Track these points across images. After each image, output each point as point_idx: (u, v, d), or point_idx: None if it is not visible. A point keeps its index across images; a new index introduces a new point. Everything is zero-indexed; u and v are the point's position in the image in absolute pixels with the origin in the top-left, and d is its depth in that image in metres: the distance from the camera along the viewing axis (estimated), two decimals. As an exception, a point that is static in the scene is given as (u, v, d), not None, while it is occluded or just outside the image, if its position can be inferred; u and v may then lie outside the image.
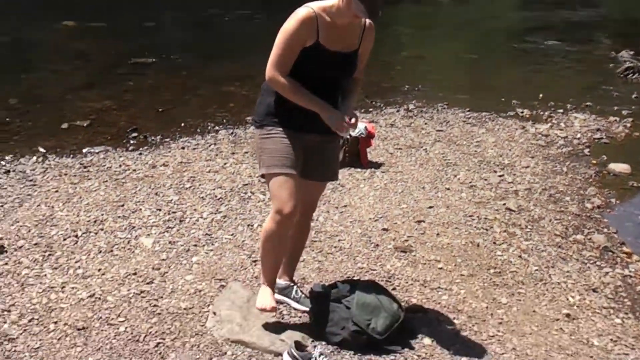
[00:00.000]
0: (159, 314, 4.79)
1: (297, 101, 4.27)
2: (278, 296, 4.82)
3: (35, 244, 5.78)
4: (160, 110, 10.64)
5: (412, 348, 4.52)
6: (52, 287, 5.09)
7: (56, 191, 7.00)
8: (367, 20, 4.37)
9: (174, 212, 6.59)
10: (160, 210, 6.63)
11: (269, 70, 4.25)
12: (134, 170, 7.75)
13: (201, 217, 6.51)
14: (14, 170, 7.61)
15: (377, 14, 4.08)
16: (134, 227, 6.24)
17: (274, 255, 4.57)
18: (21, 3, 21.00)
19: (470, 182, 7.84)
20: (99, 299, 4.97)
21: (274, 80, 4.26)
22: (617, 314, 5.32)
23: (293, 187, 4.35)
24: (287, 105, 4.31)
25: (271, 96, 4.40)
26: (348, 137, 4.48)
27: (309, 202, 4.77)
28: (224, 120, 10.17)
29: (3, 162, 7.91)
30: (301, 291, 4.94)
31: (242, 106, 10.76)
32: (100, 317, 4.71)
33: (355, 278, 5.40)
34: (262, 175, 4.56)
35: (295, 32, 4.16)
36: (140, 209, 6.63)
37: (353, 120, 4.33)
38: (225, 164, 8.06)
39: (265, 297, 4.56)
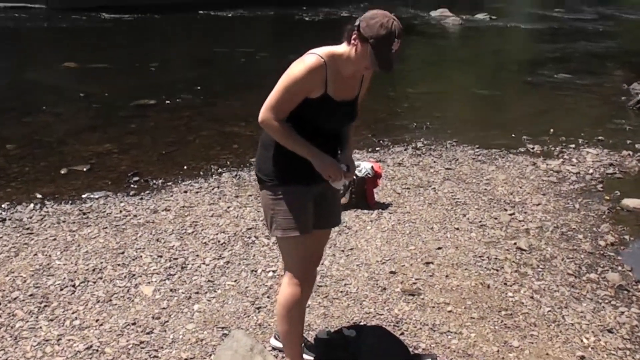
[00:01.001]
0: (158, 365, 4.66)
1: (288, 147, 4.06)
2: (280, 344, 4.71)
3: (31, 295, 5.64)
4: (163, 152, 10.51)
5: (420, 396, 4.40)
6: (47, 340, 4.97)
7: (54, 239, 6.86)
8: None
9: (176, 259, 6.46)
10: (161, 256, 6.50)
11: (264, 112, 4.03)
12: (135, 215, 7.61)
13: (203, 263, 6.37)
14: (10, 219, 7.46)
15: (392, 67, 3.84)
16: (134, 275, 6.11)
17: (298, 323, 4.40)
18: (22, 44, 21.12)
19: (480, 222, 7.70)
20: (97, 350, 4.85)
21: (266, 123, 4.04)
22: (634, 355, 5.15)
23: (310, 248, 4.28)
24: (292, 159, 4.11)
25: (274, 151, 4.20)
26: (341, 187, 4.31)
27: (317, 251, 4.61)
28: (228, 162, 10.02)
29: (-1, 210, 7.79)
30: (306, 339, 4.80)
31: (247, 147, 10.61)
32: (97, 371, 4.58)
33: (361, 323, 5.30)
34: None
35: (301, 81, 3.92)
36: (141, 256, 6.50)
37: (346, 169, 4.19)
38: (228, 207, 7.92)
39: None
